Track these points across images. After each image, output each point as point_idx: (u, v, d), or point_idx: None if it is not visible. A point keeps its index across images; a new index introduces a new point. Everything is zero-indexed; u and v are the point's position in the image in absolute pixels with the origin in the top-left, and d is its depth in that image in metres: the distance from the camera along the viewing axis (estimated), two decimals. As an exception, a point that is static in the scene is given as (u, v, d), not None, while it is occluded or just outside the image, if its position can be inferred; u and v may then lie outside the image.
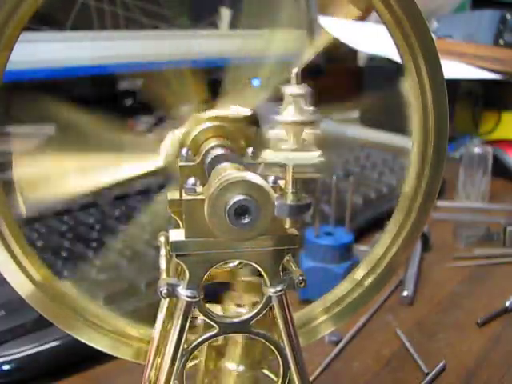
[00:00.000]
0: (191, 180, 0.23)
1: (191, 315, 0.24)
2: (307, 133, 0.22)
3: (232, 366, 0.27)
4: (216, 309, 0.26)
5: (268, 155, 0.22)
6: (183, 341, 0.24)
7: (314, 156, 0.21)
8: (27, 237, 0.49)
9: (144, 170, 0.26)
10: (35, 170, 0.25)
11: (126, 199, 0.59)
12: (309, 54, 0.27)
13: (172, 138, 0.26)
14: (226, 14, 0.69)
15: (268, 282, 0.24)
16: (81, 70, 0.57)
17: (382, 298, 0.48)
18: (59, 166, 0.25)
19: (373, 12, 0.25)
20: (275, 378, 0.27)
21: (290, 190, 0.22)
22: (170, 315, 0.27)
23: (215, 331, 0.24)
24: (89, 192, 0.26)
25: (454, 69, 0.86)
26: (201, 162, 0.25)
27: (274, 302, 0.24)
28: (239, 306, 0.27)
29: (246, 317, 0.25)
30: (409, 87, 0.26)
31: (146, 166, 0.26)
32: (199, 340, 0.25)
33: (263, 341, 0.25)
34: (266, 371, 0.28)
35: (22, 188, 0.24)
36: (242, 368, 0.27)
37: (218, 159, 0.24)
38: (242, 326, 0.25)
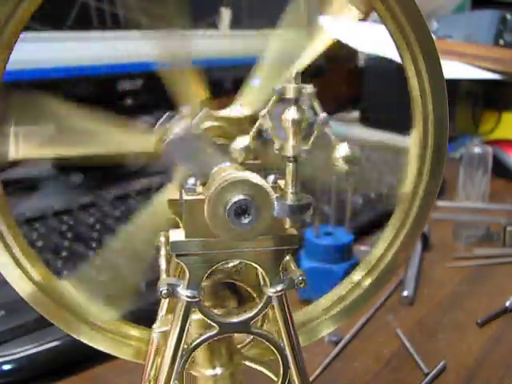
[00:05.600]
0: (191, 180, 0.23)
1: (191, 315, 0.24)
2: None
3: (208, 371, 0.27)
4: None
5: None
6: (183, 341, 0.24)
7: (345, 147, 0.22)
8: (27, 237, 0.49)
9: (134, 147, 0.26)
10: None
11: (125, 199, 0.59)
12: (309, 56, 0.27)
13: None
14: (226, 13, 0.69)
15: (268, 282, 0.24)
16: (81, 70, 0.57)
17: (382, 298, 0.48)
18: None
19: (373, 12, 0.25)
20: (275, 378, 0.27)
21: (290, 189, 0.22)
22: (169, 315, 0.27)
23: (215, 331, 0.24)
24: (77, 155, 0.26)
25: (453, 69, 0.86)
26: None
27: (274, 302, 0.24)
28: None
29: (245, 317, 0.25)
30: (409, 87, 0.26)
31: (137, 143, 0.26)
32: (199, 340, 0.25)
33: (264, 341, 0.25)
34: (266, 371, 0.28)
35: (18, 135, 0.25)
36: (219, 370, 0.27)
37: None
38: (242, 326, 0.25)
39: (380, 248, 0.29)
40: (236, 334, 0.27)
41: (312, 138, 0.22)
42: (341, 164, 0.22)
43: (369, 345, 0.43)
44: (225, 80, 0.67)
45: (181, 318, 0.24)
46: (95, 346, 0.28)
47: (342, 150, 0.21)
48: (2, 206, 0.25)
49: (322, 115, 0.22)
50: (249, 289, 0.28)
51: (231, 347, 0.27)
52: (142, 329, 0.29)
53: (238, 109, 0.27)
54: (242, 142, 0.22)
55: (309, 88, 0.22)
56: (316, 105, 0.22)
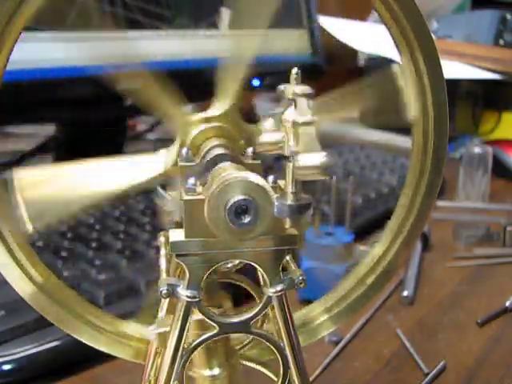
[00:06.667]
0: (191, 180, 0.23)
1: (191, 315, 0.24)
2: (310, 132, 0.22)
3: (206, 371, 0.27)
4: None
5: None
6: (183, 341, 0.24)
7: (320, 157, 0.21)
8: (27, 237, 0.48)
9: (145, 177, 0.26)
10: (39, 189, 0.24)
11: (125, 199, 0.59)
12: None
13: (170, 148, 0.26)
14: (226, 13, 0.69)
15: (268, 282, 0.24)
16: (81, 70, 0.57)
17: (382, 298, 0.48)
18: (60, 179, 0.25)
19: (373, 12, 0.25)
20: (275, 378, 0.27)
21: (290, 189, 0.22)
22: (169, 315, 0.27)
23: (215, 331, 0.24)
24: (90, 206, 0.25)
25: (454, 69, 0.86)
26: (201, 162, 0.25)
27: (274, 302, 0.24)
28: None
29: (245, 317, 0.25)
30: (409, 87, 0.26)
31: (146, 172, 0.26)
32: (199, 340, 0.25)
33: (264, 341, 0.25)
34: (266, 371, 0.28)
35: (27, 205, 0.24)
36: (217, 371, 0.27)
37: (218, 159, 0.24)
38: (242, 326, 0.25)
39: (380, 248, 0.29)
40: (235, 335, 0.28)
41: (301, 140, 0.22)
42: (311, 172, 0.21)
43: (369, 345, 0.43)
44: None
45: (181, 317, 0.24)
46: (95, 346, 0.28)
47: (312, 158, 0.21)
48: (2, 206, 0.25)
49: (306, 117, 0.22)
50: (248, 288, 0.28)
51: (228, 348, 0.27)
52: (142, 329, 0.29)
53: (217, 106, 0.26)
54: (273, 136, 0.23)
55: (307, 89, 0.22)
56: (305, 106, 0.22)
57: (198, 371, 0.27)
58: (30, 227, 0.24)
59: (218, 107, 0.26)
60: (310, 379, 0.27)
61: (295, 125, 0.22)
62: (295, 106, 0.22)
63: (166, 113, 0.26)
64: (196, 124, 0.26)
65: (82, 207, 0.25)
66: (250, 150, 0.26)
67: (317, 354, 0.40)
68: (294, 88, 0.22)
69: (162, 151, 0.26)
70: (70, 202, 0.25)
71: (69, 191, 0.25)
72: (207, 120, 0.26)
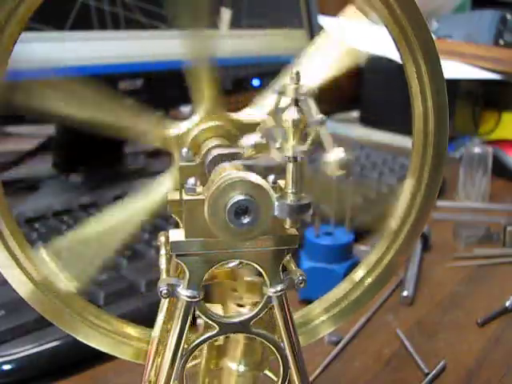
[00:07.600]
0: (191, 180, 0.23)
1: (191, 315, 0.24)
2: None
3: (233, 365, 0.27)
4: (217, 308, 0.26)
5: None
6: (183, 341, 0.24)
7: (338, 153, 0.21)
8: (27, 237, 0.48)
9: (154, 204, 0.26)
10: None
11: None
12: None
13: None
14: (226, 13, 0.69)
15: (268, 282, 0.24)
16: (81, 70, 0.57)
17: (382, 298, 0.48)
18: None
19: (373, 12, 0.25)
20: (275, 378, 0.27)
21: (290, 189, 0.22)
22: (169, 315, 0.27)
23: (215, 331, 0.24)
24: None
25: (453, 69, 0.86)
26: (201, 162, 0.25)
27: (274, 302, 0.24)
28: (240, 305, 0.27)
29: (245, 317, 0.25)
30: (409, 87, 0.26)
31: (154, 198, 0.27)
32: (199, 340, 0.25)
33: (264, 341, 0.25)
34: (266, 371, 0.28)
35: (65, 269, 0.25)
36: (242, 368, 0.27)
37: (218, 159, 0.24)
38: (242, 326, 0.25)
39: (380, 248, 0.29)
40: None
41: (309, 140, 0.22)
42: (332, 169, 0.21)
43: (369, 345, 0.43)
44: (225, 80, 0.67)
45: (181, 318, 0.24)
46: (95, 346, 0.28)
47: (335, 155, 0.21)
48: (2, 207, 0.25)
49: (318, 117, 0.22)
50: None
51: (265, 352, 0.27)
52: (142, 329, 0.29)
53: (250, 114, 0.27)
54: (253, 138, 0.22)
55: (308, 88, 0.22)
56: (313, 106, 0.22)
57: (228, 363, 0.27)
58: (74, 286, 0.25)
59: (199, 112, 0.26)
60: (310, 379, 0.27)
61: (296, 124, 0.22)
62: (296, 106, 0.22)
63: (149, 135, 0.26)
64: (183, 137, 0.26)
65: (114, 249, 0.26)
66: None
67: (317, 354, 0.40)
68: (294, 88, 0.22)
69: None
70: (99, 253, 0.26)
71: (96, 246, 0.26)
72: (190, 130, 0.26)
